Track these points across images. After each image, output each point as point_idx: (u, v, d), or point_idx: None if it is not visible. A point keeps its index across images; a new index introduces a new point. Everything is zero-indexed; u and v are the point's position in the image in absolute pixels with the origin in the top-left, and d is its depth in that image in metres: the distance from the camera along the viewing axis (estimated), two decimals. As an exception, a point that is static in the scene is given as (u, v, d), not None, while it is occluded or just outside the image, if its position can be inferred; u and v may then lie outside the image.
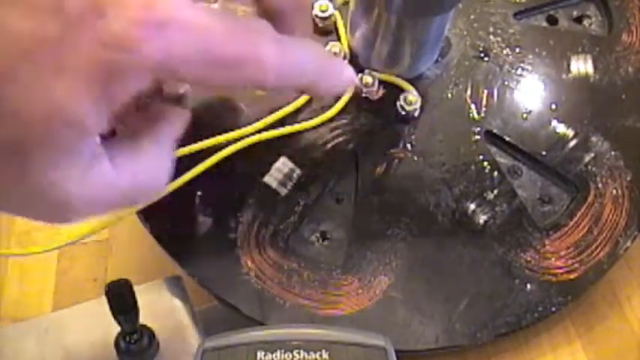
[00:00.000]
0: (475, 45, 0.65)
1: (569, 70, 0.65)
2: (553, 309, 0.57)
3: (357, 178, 0.59)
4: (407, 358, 0.56)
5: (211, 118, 0.59)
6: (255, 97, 0.61)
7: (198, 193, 0.57)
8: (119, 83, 0.32)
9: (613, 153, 0.61)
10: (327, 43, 0.61)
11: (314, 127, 0.60)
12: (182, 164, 0.57)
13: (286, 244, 0.56)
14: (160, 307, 0.52)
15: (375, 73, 0.60)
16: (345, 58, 0.61)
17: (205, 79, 0.35)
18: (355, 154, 0.60)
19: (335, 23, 0.63)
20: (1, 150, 0.32)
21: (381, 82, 0.61)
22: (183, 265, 0.56)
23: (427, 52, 0.61)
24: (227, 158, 0.58)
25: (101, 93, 0.32)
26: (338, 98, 0.60)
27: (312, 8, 0.62)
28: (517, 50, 0.65)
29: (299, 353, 0.42)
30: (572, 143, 0.62)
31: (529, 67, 0.64)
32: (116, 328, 0.47)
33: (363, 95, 0.61)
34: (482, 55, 0.64)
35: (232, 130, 0.58)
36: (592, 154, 0.61)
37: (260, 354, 0.42)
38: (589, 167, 0.61)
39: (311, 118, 0.60)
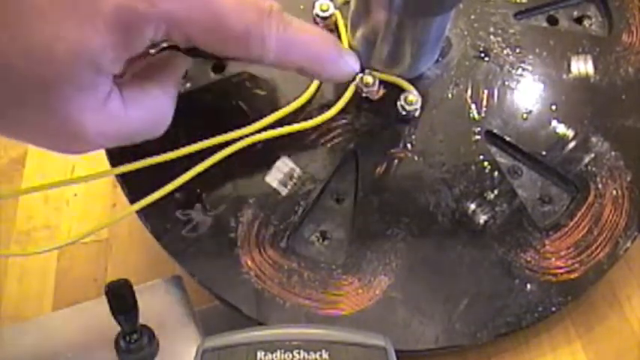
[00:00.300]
0: (475, 45, 0.65)
1: (569, 71, 0.65)
2: (553, 309, 0.57)
3: (357, 178, 0.59)
4: (407, 358, 0.56)
5: (211, 118, 0.60)
6: (256, 97, 0.61)
7: (199, 192, 0.57)
8: (136, 32, 0.36)
9: (613, 153, 0.61)
10: (327, 43, 0.61)
11: (314, 127, 0.60)
12: (182, 164, 0.57)
13: (286, 244, 0.56)
14: (160, 307, 0.52)
15: (375, 73, 0.60)
16: (345, 58, 0.61)
17: (209, 45, 0.40)
18: (355, 154, 0.60)
19: (335, 23, 0.63)
20: (29, 81, 0.35)
21: (381, 82, 0.61)
22: (183, 265, 0.56)
23: (428, 52, 0.61)
24: (227, 158, 0.58)
25: (121, 38, 0.36)
26: (338, 98, 0.60)
27: (313, 8, 0.62)
28: (517, 50, 0.65)
29: (299, 353, 0.42)
30: (572, 143, 0.62)
31: (529, 67, 0.64)
32: (116, 328, 0.47)
33: (364, 95, 0.60)
34: (482, 55, 0.64)
35: (232, 130, 0.58)
36: (592, 155, 0.61)
37: (260, 354, 0.42)
38: (589, 167, 0.61)
39: (311, 118, 0.60)
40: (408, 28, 0.57)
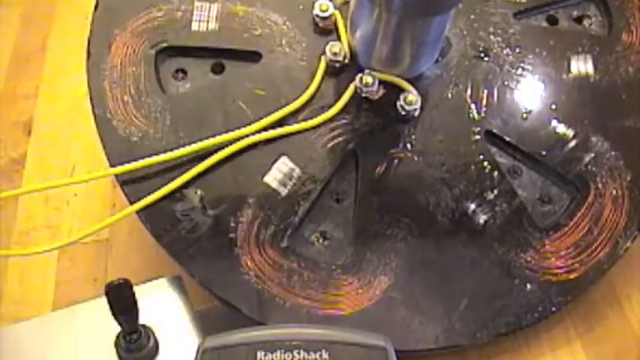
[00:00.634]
0: (475, 45, 0.65)
1: (569, 70, 0.65)
2: (553, 309, 0.57)
3: (357, 178, 0.59)
4: (407, 358, 0.56)
5: (211, 118, 0.60)
6: (256, 97, 0.61)
7: (199, 192, 0.57)
8: None
9: (613, 153, 0.61)
10: (327, 43, 0.61)
11: (314, 127, 0.60)
12: (182, 164, 0.57)
13: (286, 244, 0.56)
14: (160, 307, 0.52)
15: (375, 73, 0.60)
16: (345, 57, 0.61)
17: None
18: (355, 154, 0.60)
19: (335, 23, 0.63)
20: None
21: (381, 82, 0.61)
22: (183, 265, 0.56)
23: (427, 52, 0.61)
24: (227, 158, 0.58)
25: None
26: (338, 98, 0.60)
27: (313, 8, 0.62)
28: (517, 50, 0.65)
29: (299, 353, 0.42)
30: (572, 143, 0.62)
31: (529, 67, 0.64)
32: (116, 328, 0.47)
33: (363, 95, 0.60)
34: (482, 55, 0.64)
35: (232, 130, 0.58)
36: (592, 154, 0.61)
37: (260, 354, 0.42)
38: (589, 167, 0.61)
39: (311, 118, 0.60)
40: (408, 28, 0.57)
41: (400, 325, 0.55)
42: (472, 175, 0.60)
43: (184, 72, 0.62)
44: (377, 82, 0.60)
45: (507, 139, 0.61)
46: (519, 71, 0.64)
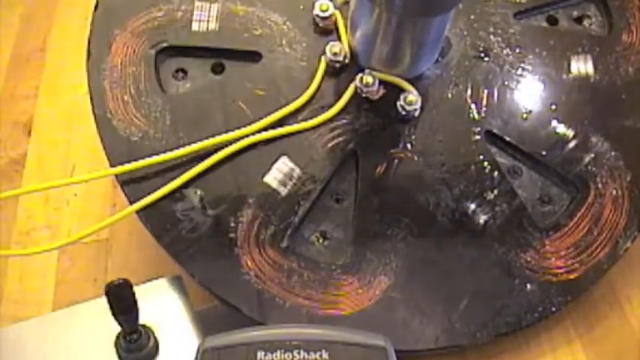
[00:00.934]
0: (475, 45, 0.65)
1: (569, 70, 0.65)
2: (553, 309, 0.57)
3: (357, 178, 0.59)
4: (407, 358, 0.56)
5: (211, 118, 0.60)
6: (256, 97, 0.61)
7: (199, 192, 0.57)
8: None
9: (613, 153, 0.61)
10: (327, 43, 0.61)
11: (314, 127, 0.60)
12: (182, 164, 0.57)
13: (286, 244, 0.56)
14: (160, 307, 0.52)
15: (375, 73, 0.60)
16: (345, 57, 0.61)
17: None
18: (355, 154, 0.60)
19: (335, 23, 0.63)
20: None
21: (381, 82, 0.61)
22: (183, 265, 0.56)
23: (427, 52, 0.61)
24: (227, 158, 0.58)
25: None
26: (338, 98, 0.60)
27: (313, 8, 0.62)
28: (517, 50, 0.65)
29: (299, 353, 0.42)
30: (572, 143, 0.62)
31: (529, 67, 0.64)
32: (116, 328, 0.47)
33: (363, 95, 0.60)
34: (482, 55, 0.64)
35: (232, 130, 0.58)
36: (592, 155, 0.61)
37: (260, 354, 0.42)
38: (589, 167, 0.61)
39: (311, 118, 0.60)
40: (408, 29, 0.57)
41: (400, 325, 0.55)
42: (472, 175, 0.60)
43: (184, 72, 0.62)
44: (377, 82, 0.60)
45: (507, 139, 0.61)
46: (519, 71, 0.64)
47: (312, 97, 0.60)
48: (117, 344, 0.49)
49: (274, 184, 0.58)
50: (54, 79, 0.79)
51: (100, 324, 0.49)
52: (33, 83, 0.78)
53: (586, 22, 0.68)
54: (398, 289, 0.56)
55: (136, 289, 0.45)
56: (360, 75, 0.60)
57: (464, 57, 0.64)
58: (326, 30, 0.63)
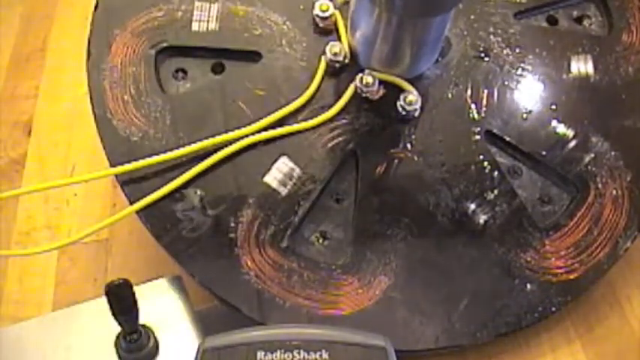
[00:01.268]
0: (475, 45, 0.65)
1: (569, 70, 0.65)
2: (553, 309, 0.57)
3: (357, 178, 0.59)
4: (407, 358, 0.56)
5: (211, 118, 0.60)
6: (256, 97, 0.61)
7: (199, 192, 0.57)
8: None
9: (613, 153, 0.61)
10: (327, 43, 0.61)
11: (314, 127, 0.60)
12: (182, 164, 0.57)
13: (286, 244, 0.56)
14: (160, 307, 0.52)
15: (375, 73, 0.60)
16: (345, 58, 0.61)
17: None
18: (355, 154, 0.60)
19: (335, 23, 0.63)
20: None
21: (381, 82, 0.61)
22: (183, 265, 0.56)
23: (427, 52, 0.61)
24: (227, 158, 0.58)
25: None
26: (338, 98, 0.60)
27: (313, 8, 0.62)
28: (517, 50, 0.65)
29: (299, 353, 0.42)
30: (572, 143, 0.62)
31: (529, 67, 0.64)
32: (116, 328, 0.47)
33: (363, 95, 0.60)
34: (482, 55, 0.64)
35: (232, 130, 0.58)
36: (592, 154, 0.61)
37: (260, 354, 0.42)
38: (589, 167, 0.61)
39: (311, 118, 0.60)
40: (408, 29, 0.57)
41: (400, 325, 0.55)
42: (472, 175, 0.60)
43: (184, 72, 0.62)
44: (377, 82, 0.60)
45: (507, 139, 0.61)
46: (519, 71, 0.64)
47: (312, 97, 0.60)
48: (117, 344, 0.49)
49: (274, 184, 0.58)
50: (54, 79, 0.79)
51: (100, 324, 0.49)
52: (33, 83, 0.78)
53: (586, 22, 0.68)
54: (398, 289, 0.56)
55: (136, 289, 0.45)
56: (360, 75, 0.60)
57: (464, 57, 0.64)
58: (326, 30, 0.63)
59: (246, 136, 0.58)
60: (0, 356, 0.50)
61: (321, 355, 0.42)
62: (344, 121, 0.60)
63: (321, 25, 0.63)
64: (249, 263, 0.55)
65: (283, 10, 0.64)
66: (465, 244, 0.58)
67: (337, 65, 0.61)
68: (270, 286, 0.55)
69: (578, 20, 0.68)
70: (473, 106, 0.62)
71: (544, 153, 0.61)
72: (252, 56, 0.62)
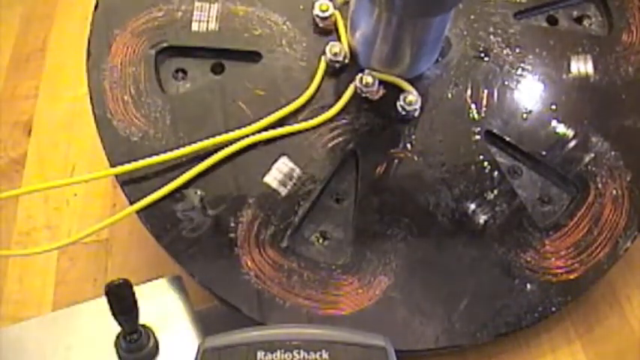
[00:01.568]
0: (475, 45, 0.65)
1: (569, 70, 0.65)
2: (553, 309, 0.57)
3: (357, 178, 0.59)
4: (407, 358, 0.56)
5: (211, 118, 0.60)
6: (256, 97, 0.61)
7: (199, 192, 0.57)
8: None
9: (613, 153, 0.61)
10: (327, 43, 0.61)
11: (314, 127, 0.60)
12: (182, 164, 0.57)
13: (286, 244, 0.56)
14: (160, 307, 0.52)
15: (375, 73, 0.60)
16: (345, 58, 0.61)
17: None
18: (355, 154, 0.60)
19: (335, 23, 0.63)
20: None
21: (381, 82, 0.61)
22: (183, 265, 0.56)
23: (427, 52, 0.61)
24: (227, 158, 0.58)
25: None
26: (338, 98, 0.60)
27: (313, 8, 0.62)
28: (517, 50, 0.65)
29: (299, 353, 0.42)
30: (572, 143, 0.62)
31: (529, 67, 0.64)
32: (116, 328, 0.47)
33: (363, 95, 0.60)
34: (482, 55, 0.64)
35: (232, 130, 0.58)
36: (592, 154, 0.61)
37: (260, 354, 0.42)
38: (589, 167, 0.61)
39: (311, 118, 0.60)
40: (408, 29, 0.57)
41: (400, 325, 0.55)
42: (472, 175, 0.60)
43: (184, 72, 0.62)
44: (377, 82, 0.60)
45: (507, 139, 0.61)
46: (519, 71, 0.64)
47: (312, 97, 0.60)
48: (117, 344, 0.49)
49: (274, 184, 0.58)
50: (54, 79, 0.79)
51: (100, 324, 0.49)
52: (33, 83, 0.78)
53: (586, 22, 0.68)
54: (398, 289, 0.56)
55: (136, 289, 0.45)
56: (360, 75, 0.60)
57: (464, 57, 0.64)
58: (326, 30, 0.63)
59: (247, 136, 0.58)
60: (0, 356, 0.50)
61: (321, 355, 0.42)
62: (344, 121, 0.60)
63: (321, 25, 0.63)
64: (249, 263, 0.55)
65: (283, 10, 0.64)
66: (465, 244, 0.58)
67: (337, 65, 0.61)
68: (270, 286, 0.55)
69: (578, 20, 0.68)
70: (473, 106, 0.62)
71: (544, 153, 0.61)
72: (252, 56, 0.62)
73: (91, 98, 0.60)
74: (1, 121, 0.76)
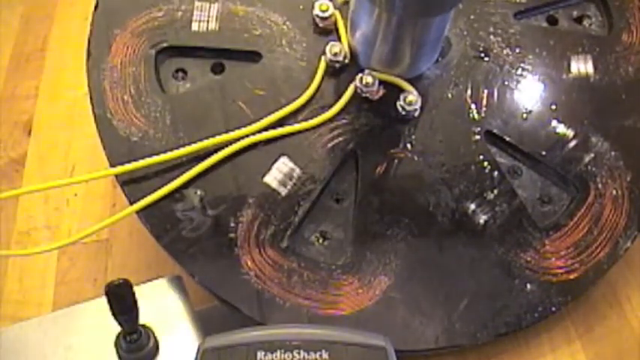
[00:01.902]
0: (475, 45, 0.65)
1: (569, 70, 0.65)
2: (553, 309, 0.57)
3: (357, 178, 0.59)
4: (407, 358, 0.56)
5: (211, 118, 0.60)
6: (256, 97, 0.61)
7: (199, 192, 0.57)
8: None
9: (613, 153, 0.61)
10: (327, 43, 0.61)
11: (314, 127, 0.60)
12: (182, 164, 0.57)
13: (286, 244, 0.56)
14: (160, 307, 0.52)
15: (375, 73, 0.60)
16: (345, 58, 0.61)
17: None
18: (355, 154, 0.60)
19: (335, 23, 0.63)
20: None
21: (381, 82, 0.61)
22: (183, 265, 0.56)
23: (427, 52, 0.61)
24: (227, 158, 0.58)
25: None
26: (338, 98, 0.60)
27: (313, 8, 0.62)
28: (517, 50, 0.65)
29: (299, 353, 0.42)
30: (572, 143, 0.62)
31: (529, 67, 0.64)
32: (116, 328, 0.47)
33: (363, 95, 0.60)
34: (482, 55, 0.64)
35: (232, 130, 0.58)
36: (592, 154, 0.61)
37: (260, 354, 0.42)
38: (589, 167, 0.61)
39: (311, 118, 0.60)
40: (408, 29, 0.57)
41: (400, 325, 0.55)
42: (472, 175, 0.60)
43: (184, 72, 0.62)
44: (377, 82, 0.60)
45: (507, 139, 0.61)
46: (519, 71, 0.64)
47: (312, 97, 0.60)
48: (117, 344, 0.49)
49: (274, 184, 0.58)
50: (54, 79, 0.79)
51: (100, 324, 0.49)
52: (33, 83, 0.78)
53: (586, 22, 0.68)
54: (398, 289, 0.56)
55: (136, 289, 0.45)
56: (360, 75, 0.60)
57: (464, 57, 0.64)
58: (326, 30, 0.63)
59: (247, 136, 0.58)
60: (0, 356, 0.50)
61: (321, 355, 0.42)
62: (344, 121, 0.60)
63: (321, 25, 0.63)
64: (249, 263, 0.55)
65: (283, 10, 0.64)
66: (465, 244, 0.58)
67: (337, 65, 0.61)
68: (270, 286, 0.55)
69: (578, 20, 0.68)
70: (473, 106, 0.62)
71: (544, 153, 0.61)
72: (252, 56, 0.62)
73: (91, 98, 0.60)
74: (1, 121, 0.76)
